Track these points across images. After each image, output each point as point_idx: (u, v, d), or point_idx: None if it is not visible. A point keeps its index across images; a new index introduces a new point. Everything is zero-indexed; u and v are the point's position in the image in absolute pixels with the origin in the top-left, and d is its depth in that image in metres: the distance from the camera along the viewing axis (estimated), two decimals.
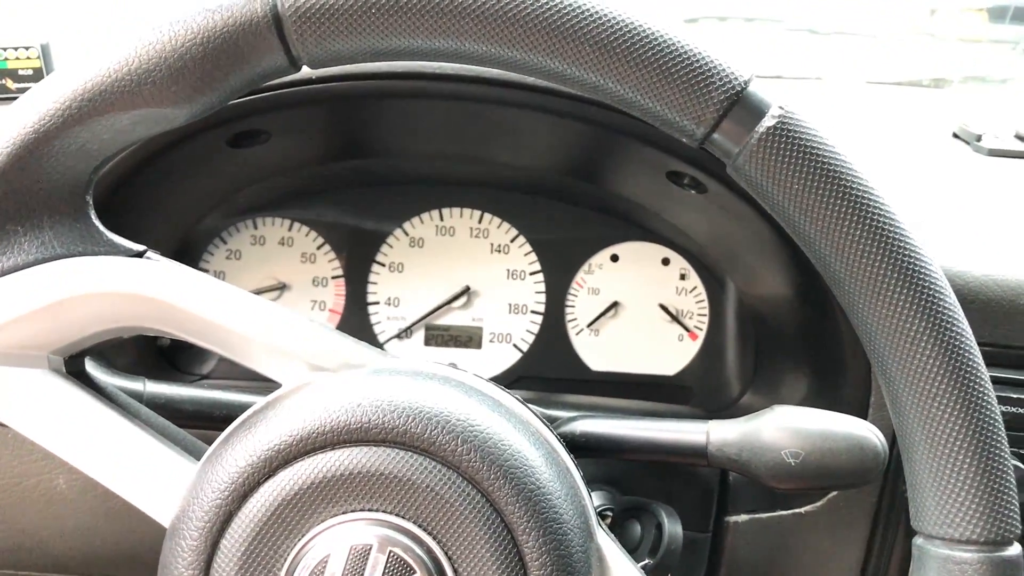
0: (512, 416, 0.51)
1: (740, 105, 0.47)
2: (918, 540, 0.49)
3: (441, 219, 0.91)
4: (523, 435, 0.50)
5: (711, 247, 0.84)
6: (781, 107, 0.47)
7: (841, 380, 0.75)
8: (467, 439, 0.48)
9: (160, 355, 0.88)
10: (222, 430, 0.53)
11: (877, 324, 0.48)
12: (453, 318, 0.92)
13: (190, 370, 0.89)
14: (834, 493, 0.74)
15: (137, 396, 0.64)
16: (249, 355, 0.53)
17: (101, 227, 0.51)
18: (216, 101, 0.50)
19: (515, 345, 0.92)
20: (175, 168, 0.75)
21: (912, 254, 0.47)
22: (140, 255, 0.52)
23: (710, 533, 0.77)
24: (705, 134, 0.48)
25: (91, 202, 0.52)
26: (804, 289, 0.77)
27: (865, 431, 0.59)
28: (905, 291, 0.47)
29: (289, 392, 0.51)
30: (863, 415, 0.71)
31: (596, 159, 0.80)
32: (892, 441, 0.59)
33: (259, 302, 0.52)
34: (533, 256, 0.91)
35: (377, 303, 0.92)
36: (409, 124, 0.79)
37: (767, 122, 0.46)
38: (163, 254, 0.52)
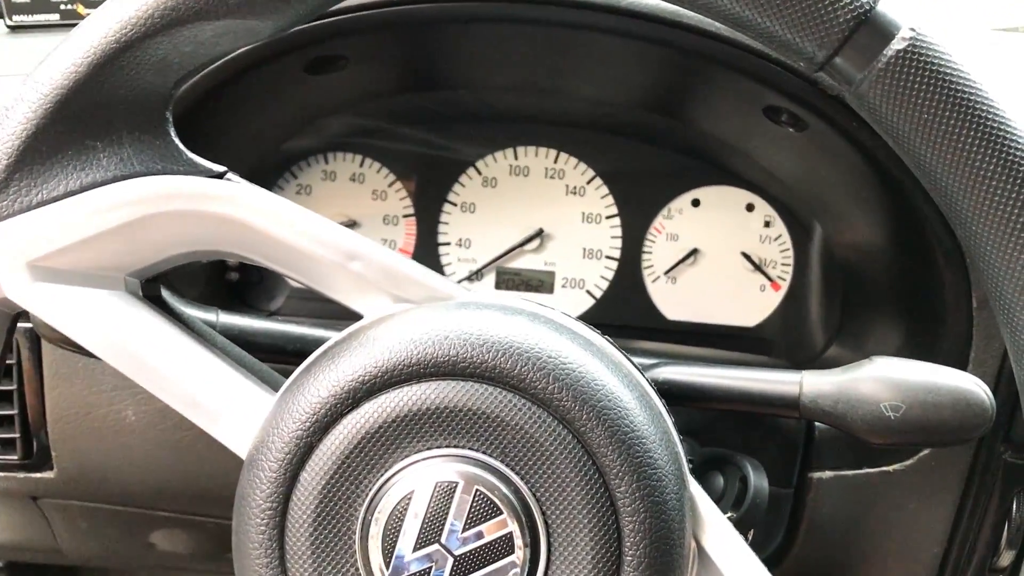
0: (604, 356, 0.49)
1: (867, 26, 0.43)
2: None
3: (516, 158, 0.88)
4: (616, 376, 0.48)
5: (801, 191, 0.80)
6: (913, 28, 0.43)
7: (938, 333, 0.71)
8: (559, 377, 0.46)
9: (229, 289, 0.87)
10: (295, 364, 0.51)
11: (1006, 267, 0.44)
12: (525, 261, 0.90)
13: (259, 306, 0.88)
14: (925, 451, 0.71)
15: (211, 326, 0.63)
16: (331, 284, 0.51)
17: (181, 146, 0.50)
18: (303, 14, 0.47)
19: (588, 291, 0.89)
20: (251, 94, 0.72)
21: None
22: (220, 176, 0.50)
23: (792, 489, 0.74)
24: (827, 57, 0.44)
25: (171, 119, 0.50)
26: (902, 236, 0.73)
27: (971, 384, 0.55)
28: None
29: (373, 323, 0.49)
30: (962, 370, 0.67)
31: (685, 92, 0.76)
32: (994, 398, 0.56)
33: (342, 230, 0.50)
34: (610, 199, 0.88)
35: (448, 244, 0.89)
36: (489, 52, 0.76)
37: (897, 45, 0.43)
38: None
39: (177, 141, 0.50)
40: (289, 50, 0.69)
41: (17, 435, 0.77)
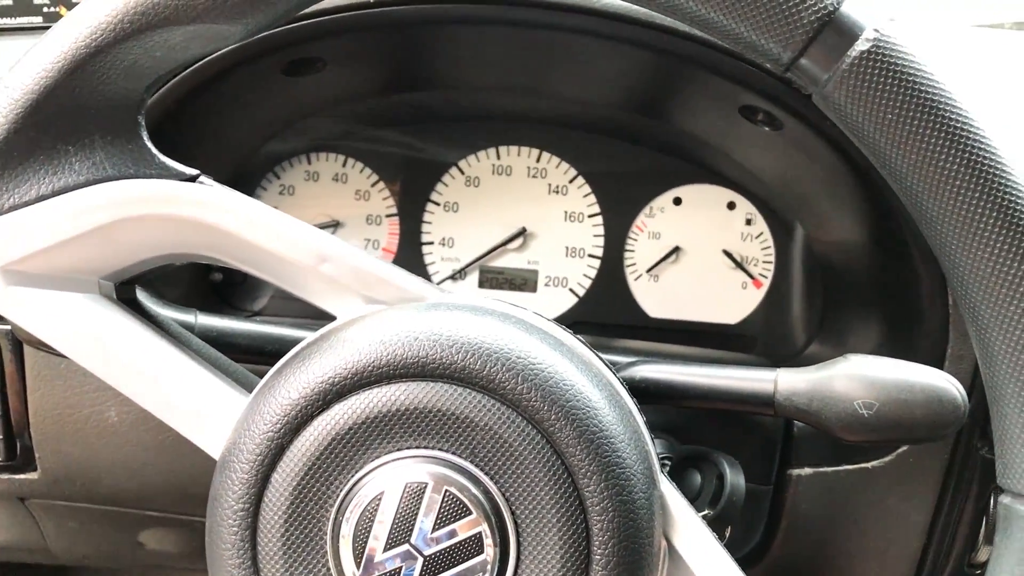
0: (574, 356, 0.49)
1: (831, 27, 0.43)
2: (1005, 499, 0.46)
3: (498, 157, 0.89)
4: (585, 376, 0.48)
5: (781, 189, 0.81)
6: (876, 30, 0.43)
7: (916, 330, 0.71)
8: (528, 377, 0.46)
9: (212, 290, 0.87)
10: (274, 365, 0.51)
11: (971, 266, 0.45)
12: (508, 260, 0.90)
13: (242, 306, 0.88)
14: (904, 448, 0.71)
15: (188, 328, 0.63)
16: (303, 286, 0.51)
17: (154, 149, 0.50)
18: (272, 18, 0.48)
19: (571, 289, 0.89)
20: (229, 96, 0.73)
21: (1013, 192, 0.44)
22: (193, 179, 0.50)
23: (771, 486, 0.74)
24: (792, 59, 0.44)
25: (143, 123, 0.50)
26: (880, 234, 0.73)
27: (944, 382, 0.55)
28: (1004, 232, 0.43)
29: (344, 325, 0.49)
30: (939, 367, 0.67)
31: (663, 92, 0.77)
32: (970, 394, 0.56)
33: (314, 232, 0.50)
34: (592, 198, 0.88)
35: (431, 243, 0.90)
36: (469, 53, 0.76)
37: (860, 46, 0.43)
38: None
39: (150, 145, 0.50)
40: (266, 53, 0.69)
41: (0, 436, 0.77)
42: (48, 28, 0.87)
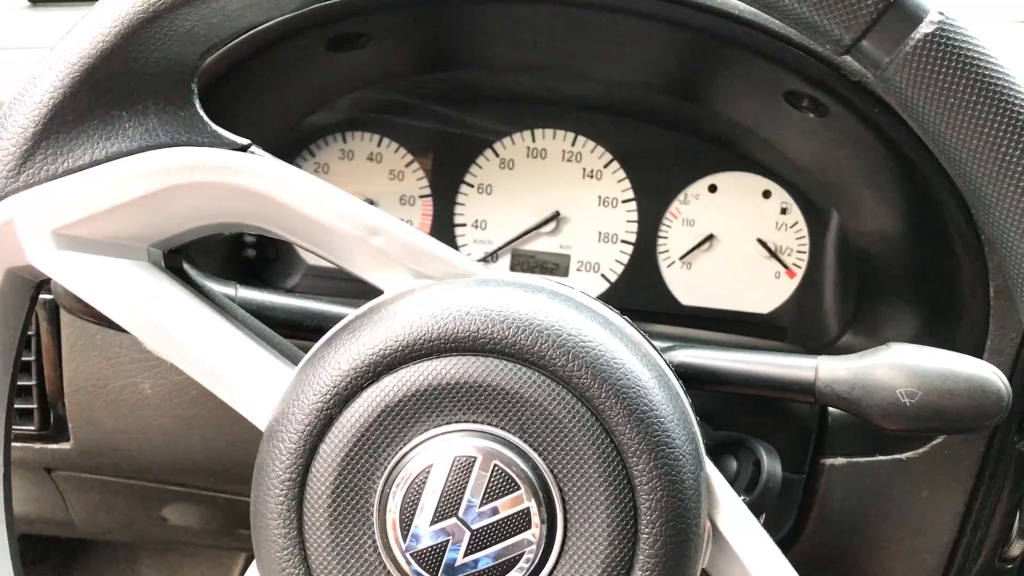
0: (623, 336, 0.49)
1: (895, 9, 0.43)
2: None
3: (533, 140, 0.88)
4: (635, 355, 0.48)
5: (819, 177, 0.80)
6: (941, 12, 0.43)
7: (955, 322, 0.71)
8: (578, 355, 0.46)
9: (245, 266, 0.87)
10: (312, 340, 0.51)
11: None
12: (540, 244, 0.90)
13: (275, 283, 0.88)
14: (938, 440, 0.71)
15: (229, 300, 0.63)
16: (352, 259, 0.51)
17: (206, 118, 0.50)
18: None
19: (603, 275, 0.89)
20: (272, 70, 0.72)
21: None
22: (244, 149, 0.50)
23: (804, 474, 0.74)
24: (854, 40, 0.44)
25: (196, 91, 0.50)
26: (921, 225, 0.73)
27: (988, 373, 0.55)
28: None
29: (394, 298, 0.49)
30: (978, 358, 0.67)
31: (705, 75, 0.76)
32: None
33: (365, 206, 0.50)
34: (627, 183, 0.88)
35: (464, 225, 0.89)
36: (508, 32, 0.76)
37: (924, 28, 0.43)
38: None
39: (202, 113, 0.50)
40: (311, 27, 0.69)
41: (34, 406, 0.78)
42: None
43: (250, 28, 0.50)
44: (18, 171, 0.47)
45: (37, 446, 0.80)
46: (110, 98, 0.47)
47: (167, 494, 0.91)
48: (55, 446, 0.80)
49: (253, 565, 0.51)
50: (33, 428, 0.79)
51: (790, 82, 0.69)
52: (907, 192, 0.72)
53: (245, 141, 0.50)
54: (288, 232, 0.51)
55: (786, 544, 0.76)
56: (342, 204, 0.49)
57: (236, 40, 0.65)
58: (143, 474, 0.85)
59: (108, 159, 0.48)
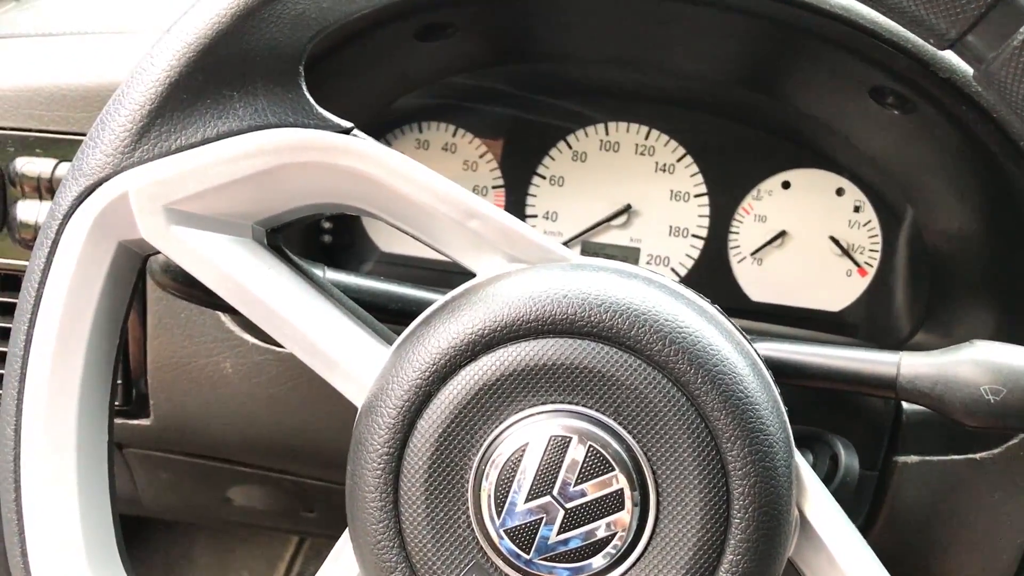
0: (717, 323, 0.50)
1: (1003, 5, 0.43)
2: None
3: (606, 133, 0.89)
4: (729, 343, 0.48)
5: (896, 175, 0.80)
6: None
7: None
8: (674, 340, 0.46)
9: (321, 251, 0.89)
10: (397, 322, 0.52)
11: None
12: (611, 237, 0.90)
13: (348, 269, 0.89)
14: (1014, 440, 0.70)
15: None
16: (449, 241, 0.52)
17: (312, 100, 0.51)
18: None
19: (673, 269, 0.90)
20: (362, 58, 0.74)
21: None
22: (347, 132, 0.51)
23: (877, 471, 0.74)
24: (959, 34, 0.44)
25: (303, 74, 0.51)
26: (999, 223, 0.72)
27: None
28: None
29: (489, 281, 0.50)
30: None
31: (785, 69, 0.76)
32: None
33: (463, 191, 0.51)
34: (699, 178, 0.88)
35: (535, 216, 0.90)
36: (591, 23, 0.76)
37: None
38: None
39: (308, 96, 0.51)
40: (402, 16, 0.70)
41: (119, 382, 0.79)
42: None
43: (358, 12, 0.51)
44: (134, 147, 0.49)
45: (119, 421, 0.82)
46: (222, 78, 0.49)
47: (235, 475, 0.93)
48: (135, 422, 0.82)
49: (344, 537, 0.52)
50: (116, 404, 0.80)
51: (877, 77, 0.69)
52: (988, 191, 0.71)
53: (349, 124, 0.51)
54: (388, 214, 0.52)
55: None
56: (442, 187, 0.50)
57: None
58: (216, 452, 0.87)
59: (219, 137, 0.49)
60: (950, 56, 0.64)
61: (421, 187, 0.50)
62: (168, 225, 0.50)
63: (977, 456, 0.72)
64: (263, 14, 0.48)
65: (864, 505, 0.75)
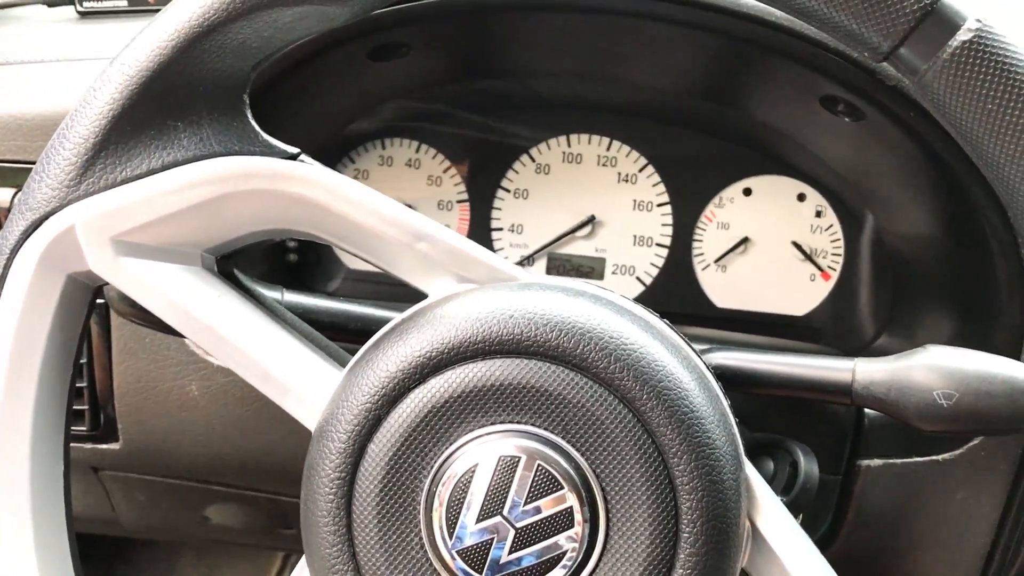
0: (663, 339, 0.50)
1: (933, 16, 0.44)
2: None
3: (568, 145, 0.89)
4: (675, 358, 0.49)
5: (854, 181, 0.81)
6: (979, 20, 0.44)
7: (991, 324, 0.71)
8: (620, 357, 0.47)
9: (287, 271, 0.89)
10: (355, 342, 0.52)
11: None
12: (576, 248, 0.91)
13: (316, 287, 0.90)
14: (975, 441, 0.71)
15: (277, 304, 0.65)
16: (398, 264, 0.52)
17: (257, 127, 0.51)
18: (377, 1, 0.49)
19: (638, 278, 0.90)
20: (316, 79, 0.74)
21: None
22: (294, 157, 0.51)
23: (841, 476, 0.74)
24: (892, 47, 0.45)
25: (248, 102, 0.52)
26: (956, 227, 0.73)
27: None
28: None
29: (439, 302, 0.50)
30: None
31: (740, 81, 0.77)
32: None
33: (410, 212, 0.51)
34: (662, 187, 0.89)
35: (500, 229, 0.91)
36: (547, 40, 0.77)
37: (962, 36, 0.43)
38: None
39: (253, 123, 0.51)
40: (354, 37, 0.70)
41: (86, 407, 0.80)
42: (133, 11, 0.89)
43: (300, 40, 0.51)
44: (79, 180, 0.49)
45: (88, 446, 0.83)
46: (166, 109, 0.49)
47: (210, 494, 0.93)
48: (104, 446, 0.82)
49: (301, 563, 0.52)
50: (84, 429, 0.81)
51: (826, 87, 0.70)
52: (942, 195, 0.72)
53: (295, 150, 0.51)
54: (336, 238, 0.52)
55: (822, 545, 0.77)
56: (388, 210, 0.51)
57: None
58: (188, 474, 0.87)
59: (164, 168, 0.50)
60: None
61: (368, 211, 0.50)
62: (116, 256, 0.50)
63: (940, 458, 0.72)
64: (204, 44, 0.48)
65: (830, 509, 0.75)
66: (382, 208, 0.51)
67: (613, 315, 0.49)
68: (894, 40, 0.45)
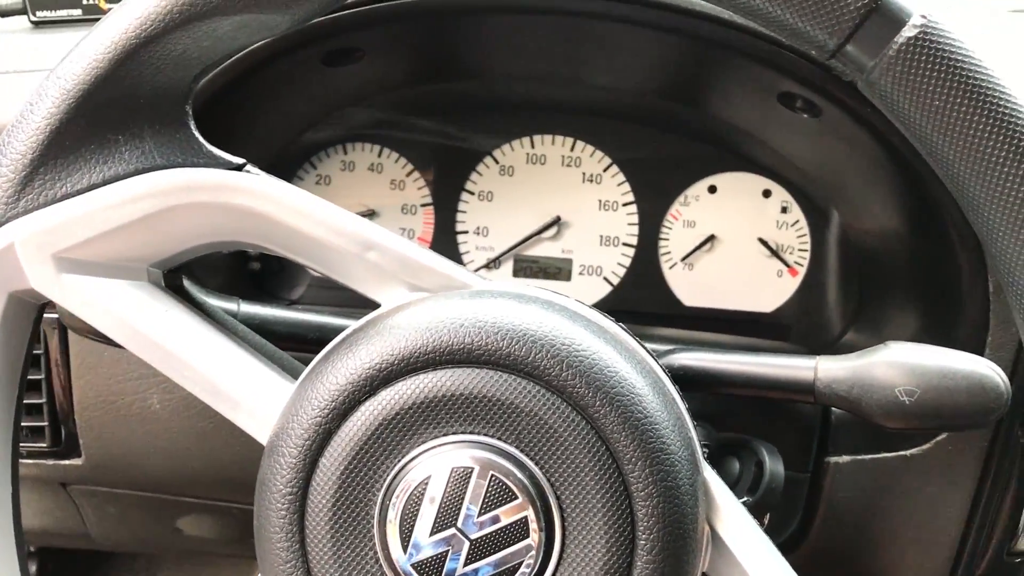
0: (617, 343, 0.49)
1: (878, 13, 0.43)
2: None
3: (532, 146, 0.89)
4: (629, 362, 0.48)
5: (818, 177, 0.80)
6: (923, 16, 0.43)
7: (956, 318, 0.71)
8: (572, 364, 0.46)
9: (251, 279, 0.88)
10: (315, 352, 0.52)
11: (1018, 252, 0.44)
12: (542, 249, 0.90)
13: (280, 295, 0.89)
14: (942, 435, 0.71)
15: (232, 315, 0.64)
16: (348, 274, 0.52)
17: (201, 139, 0.51)
18: (318, 7, 0.48)
19: (606, 278, 0.90)
20: (269, 87, 0.73)
21: None
22: (239, 168, 0.51)
23: (809, 473, 0.74)
24: (838, 45, 0.44)
25: (191, 113, 0.51)
26: (918, 222, 0.73)
27: (987, 369, 0.55)
28: None
29: (389, 312, 0.50)
30: (979, 355, 0.67)
31: (700, 80, 0.76)
32: (1012, 382, 0.56)
33: (360, 220, 0.50)
34: (627, 186, 0.88)
35: (466, 232, 0.90)
36: (504, 42, 0.76)
37: (908, 32, 0.43)
38: None
39: (197, 134, 0.51)
40: (305, 43, 0.69)
41: (46, 423, 0.79)
42: (88, 20, 0.88)
43: (242, 49, 0.50)
44: (17, 197, 0.48)
45: (50, 462, 0.82)
46: (106, 123, 0.48)
47: (181, 505, 0.92)
48: (67, 462, 0.81)
49: None
50: (45, 445, 0.80)
51: (783, 84, 0.69)
52: (904, 190, 0.72)
53: (240, 160, 0.51)
54: (284, 249, 0.52)
55: (795, 542, 0.77)
56: (336, 220, 0.50)
57: (231, 60, 0.66)
58: (155, 487, 0.86)
59: (105, 183, 0.49)
60: None
61: (315, 221, 0.50)
62: (58, 274, 0.49)
63: (907, 453, 0.72)
64: (142, 56, 0.47)
65: (799, 507, 0.75)
66: (330, 218, 0.50)
67: (565, 321, 0.48)
68: (840, 38, 0.44)
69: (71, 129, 0.48)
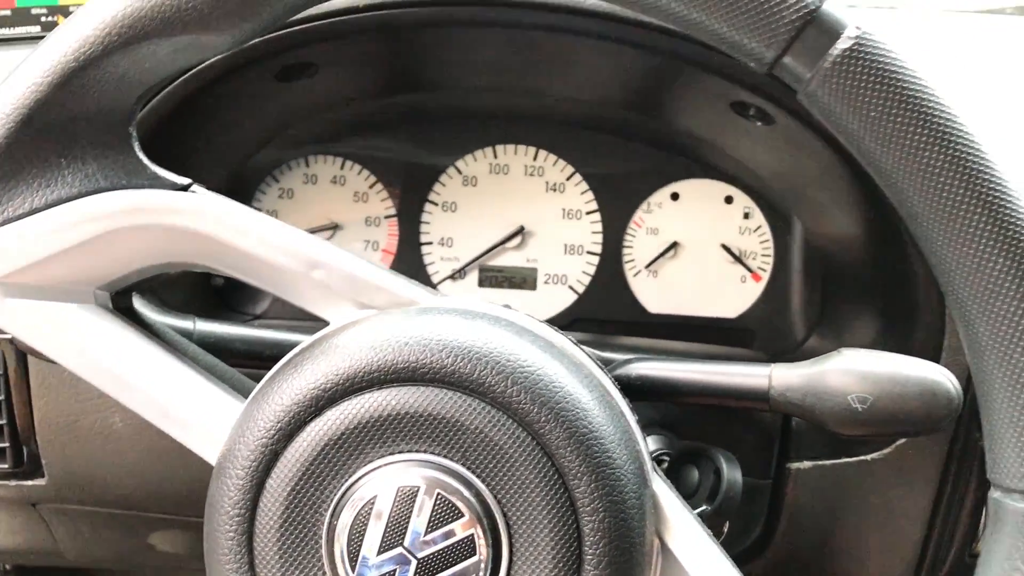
0: (564, 357, 0.49)
1: (813, 26, 0.44)
2: (995, 494, 0.46)
3: (495, 156, 0.89)
4: (575, 376, 0.48)
5: (777, 183, 0.81)
6: (858, 27, 0.44)
7: (913, 323, 0.71)
8: (517, 380, 0.46)
9: (214, 294, 0.88)
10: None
11: (956, 261, 0.45)
12: (507, 259, 0.90)
13: (243, 310, 0.89)
14: (903, 440, 0.71)
15: (187, 334, 0.64)
16: (296, 292, 0.52)
17: (145, 160, 0.50)
18: (258, 27, 0.48)
19: (571, 287, 0.90)
20: (223, 104, 0.73)
21: (996, 187, 0.44)
22: (185, 188, 0.50)
23: (771, 480, 0.74)
24: (775, 58, 0.45)
25: (135, 134, 0.51)
26: (876, 227, 0.73)
27: (937, 375, 0.55)
28: (988, 226, 0.44)
29: (336, 331, 0.50)
30: (936, 359, 0.67)
31: (657, 90, 0.77)
32: (966, 386, 0.56)
33: (305, 237, 0.50)
34: (590, 195, 0.89)
35: (430, 243, 0.90)
36: (463, 55, 0.77)
37: (843, 44, 0.43)
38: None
39: (141, 155, 0.50)
40: (257, 59, 0.69)
41: (7, 444, 0.78)
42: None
43: (185, 70, 0.50)
44: None
45: (13, 483, 0.81)
46: (47, 146, 0.48)
47: (153, 522, 0.92)
48: (31, 483, 0.80)
49: None
50: (7, 466, 0.79)
51: (735, 93, 0.70)
52: (860, 197, 0.72)
53: (186, 181, 0.50)
54: (231, 269, 0.51)
55: (758, 549, 0.77)
56: (281, 239, 0.50)
57: (180, 79, 0.66)
58: (123, 504, 0.86)
59: (48, 206, 0.48)
60: None
61: (259, 240, 0.50)
62: (3, 298, 0.49)
63: (868, 457, 0.72)
64: (82, 79, 0.47)
65: (762, 514, 0.75)
66: (275, 237, 0.50)
67: (511, 336, 0.48)
68: (777, 50, 0.44)
69: (12, 153, 0.48)
